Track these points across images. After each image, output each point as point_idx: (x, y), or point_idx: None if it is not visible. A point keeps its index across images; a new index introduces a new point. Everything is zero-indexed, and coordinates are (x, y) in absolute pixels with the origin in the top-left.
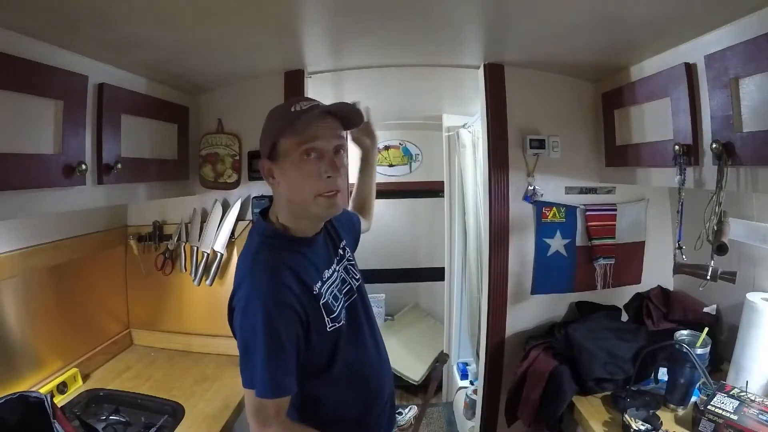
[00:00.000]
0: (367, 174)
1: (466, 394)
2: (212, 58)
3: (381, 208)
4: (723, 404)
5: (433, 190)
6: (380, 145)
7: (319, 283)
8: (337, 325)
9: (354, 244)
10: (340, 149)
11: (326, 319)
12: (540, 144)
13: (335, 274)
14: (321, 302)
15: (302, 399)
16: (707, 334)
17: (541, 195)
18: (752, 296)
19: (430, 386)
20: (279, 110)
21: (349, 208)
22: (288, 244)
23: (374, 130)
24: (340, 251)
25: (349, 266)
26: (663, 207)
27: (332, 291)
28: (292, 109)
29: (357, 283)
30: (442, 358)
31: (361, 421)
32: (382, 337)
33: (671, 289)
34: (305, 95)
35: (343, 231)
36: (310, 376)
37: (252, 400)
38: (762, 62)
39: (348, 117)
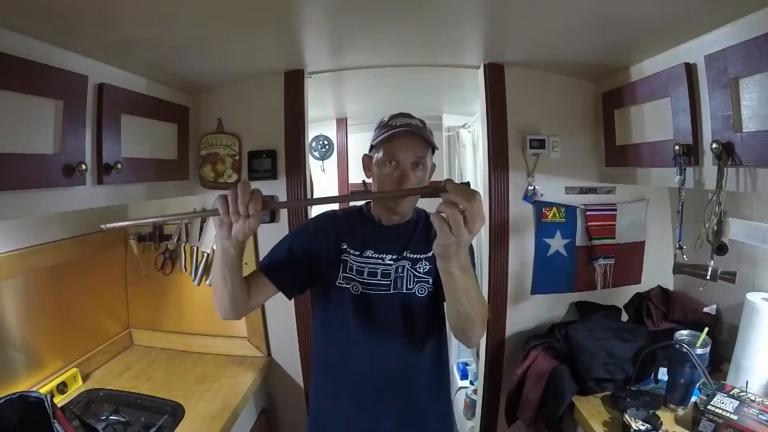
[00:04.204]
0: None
1: (466, 394)
2: (212, 58)
3: None
4: (723, 404)
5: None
6: None
7: (352, 249)
8: (344, 285)
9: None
10: (418, 163)
11: (340, 273)
12: (540, 144)
13: (378, 261)
14: (342, 257)
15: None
16: (707, 334)
17: (541, 195)
18: (752, 296)
19: None
20: (383, 120)
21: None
22: (355, 217)
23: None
24: (407, 254)
25: (404, 270)
26: (663, 207)
27: (361, 265)
28: (390, 122)
29: (397, 290)
30: None
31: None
32: (405, 356)
33: (671, 289)
34: (305, 95)
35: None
36: (316, 309)
37: None
38: (762, 62)
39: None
